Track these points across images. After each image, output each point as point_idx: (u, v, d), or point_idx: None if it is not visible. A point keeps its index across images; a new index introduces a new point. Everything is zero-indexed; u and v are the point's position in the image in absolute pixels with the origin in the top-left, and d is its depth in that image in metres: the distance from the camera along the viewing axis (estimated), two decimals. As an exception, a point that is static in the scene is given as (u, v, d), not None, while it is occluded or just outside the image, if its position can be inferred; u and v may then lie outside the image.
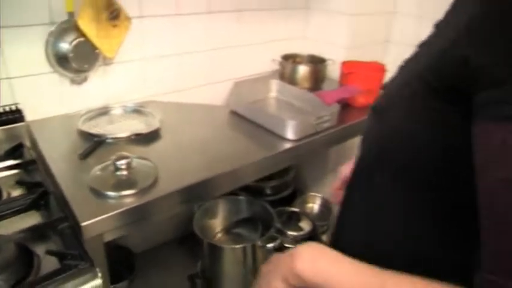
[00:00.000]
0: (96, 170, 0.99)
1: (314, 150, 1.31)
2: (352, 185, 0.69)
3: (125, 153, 0.98)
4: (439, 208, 0.52)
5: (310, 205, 1.90)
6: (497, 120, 0.38)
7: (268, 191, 1.77)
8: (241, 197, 1.53)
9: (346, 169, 0.90)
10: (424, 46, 0.60)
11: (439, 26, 0.57)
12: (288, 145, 1.20)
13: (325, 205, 1.86)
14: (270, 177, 1.68)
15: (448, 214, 0.52)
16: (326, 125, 1.27)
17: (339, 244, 0.67)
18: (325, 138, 1.29)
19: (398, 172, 0.54)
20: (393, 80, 0.62)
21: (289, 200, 1.84)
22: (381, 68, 1.52)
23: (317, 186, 1.96)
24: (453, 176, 0.48)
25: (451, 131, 0.46)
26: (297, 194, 1.91)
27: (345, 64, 1.53)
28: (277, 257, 0.67)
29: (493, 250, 0.39)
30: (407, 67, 0.60)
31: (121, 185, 0.94)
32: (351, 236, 0.68)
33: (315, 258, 0.59)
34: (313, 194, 1.90)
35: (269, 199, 1.70)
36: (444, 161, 0.48)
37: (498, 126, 0.38)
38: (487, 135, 0.39)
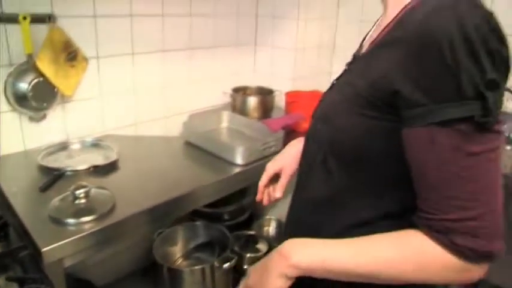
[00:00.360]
0: (56, 201, 1.06)
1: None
2: (306, 172, 0.82)
3: (83, 183, 1.06)
4: (379, 181, 0.69)
5: (266, 228, 2.00)
6: (424, 125, 0.58)
7: (226, 217, 1.85)
8: (198, 223, 1.62)
9: (271, 167, 1.01)
10: (351, 73, 0.76)
11: (361, 56, 0.75)
12: (237, 169, 1.32)
13: (281, 226, 1.96)
14: (227, 203, 1.77)
15: (387, 186, 0.69)
16: (272, 149, 1.40)
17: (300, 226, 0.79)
18: (272, 162, 1.41)
19: (347, 157, 0.71)
20: (328, 96, 0.81)
21: (247, 223, 1.93)
22: (320, 96, 1.68)
23: (273, 209, 2.07)
24: (387, 156, 0.66)
25: (379, 128, 0.65)
26: (253, 217, 2.00)
27: (289, 94, 1.69)
28: (260, 264, 0.74)
29: (442, 197, 0.59)
30: (341, 87, 0.76)
31: (80, 212, 1.01)
32: (311, 212, 0.79)
33: (304, 247, 0.68)
34: (268, 217, 2.01)
35: (227, 224, 1.79)
36: (380, 148, 0.66)
37: (425, 129, 0.58)
38: (419, 134, 0.59)
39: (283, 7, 1.90)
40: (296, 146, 0.98)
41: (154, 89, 1.69)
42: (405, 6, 0.64)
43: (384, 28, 0.67)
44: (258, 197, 1.04)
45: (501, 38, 0.56)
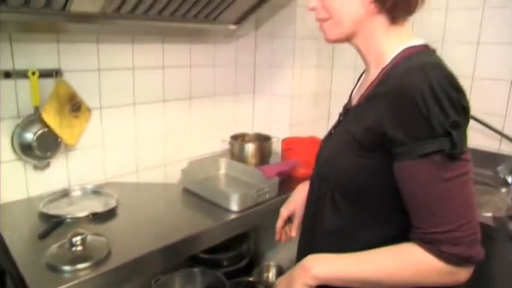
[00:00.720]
0: (54, 248, 1.09)
1: (259, 220, 1.45)
2: (315, 208, 0.95)
3: (80, 231, 1.09)
4: (380, 211, 0.83)
5: (266, 274, 1.98)
6: (407, 159, 0.73)
7: (225, 263, 1.85)
8: (195, 269, 1.62)
9: (285, 211, 1.15)
10: (347, 123, 0.91)
11: (353, 109, 0.90)
12: (233, 216, 1.34)
13: (281, 273, 1.94)
14: (226, 249, 1.78)
15: (387, 214, 0.83)
16: (267, 196, 1.43)
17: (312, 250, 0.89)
18: (268, 208, 1.44)
19: (351, 193, 0.86)
20: (329, 142, 0.96)
21: (247, 270, 1.92)
22: (317, 142, 1.72)
23: (273, 254, 2.07)
24: (383, 188, 0.80)
25: (373, 166, 0.80)
26: (254, 264, 1.99)
27: (285, 141, 1.74)
28: (286, 275, 0.88)
29: (428, 215, 0.73)
30: (340, 134, 0.91)
31: (76, 259, 1.04)
32: (324, 242, 0.91)
33: (322, 261, 0.82)
34: (268, 263, 2.00)
35: (227, 270, 1.78)
36: (376, 182, 0.81)
37: (409, 162, 0.73)
38: (405, 166, 0.74)
39: (279, 56, 1.99)
40: (303, 190, 1.11)
41: (155, 137, 1.75)
42: (384, 67, 0.82)
43: (369, 85, 0.84)
44: (277, 238, 1.19)
45: (458, 89, 0.73)
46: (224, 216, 1.34)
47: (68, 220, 1.27)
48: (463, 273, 0.74)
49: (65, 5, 1.19)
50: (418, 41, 0.84)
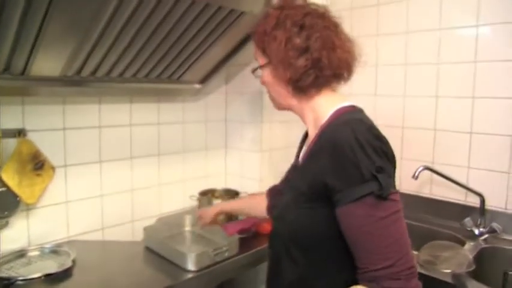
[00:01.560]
0: (-4, 313, 1.06)
1: (218, 279, 1.42)
2: (276, 263, 1.02)
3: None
4: (334, 257, 0.91)
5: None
6: (345, 204, 0.82)
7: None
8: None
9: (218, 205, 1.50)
10: (294, 179, 1.04)
11: (300, 166, 1.02)
12: (189, 275, 1.32)
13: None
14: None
15: (341, 259, 0.89)
16: (226, 254, 1.41)
17: None
18: (227, 267, 1.42)
19: (304, 244, 0.93)
20: (279, 200, 1.05)
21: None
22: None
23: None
24: (332, 235, 0.88)
25: (321, 215, 0.89)
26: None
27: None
28: None
29: (367, 254, 0.82)
30: (288, 191, 1.02)
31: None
32: None
33: None
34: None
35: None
36: (324, 230, 0.89)
37: (346, 206, 0.82)
38: (344, 211, 0.83)
39: (248, 112, 2.04)
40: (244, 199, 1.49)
41: (122, 194, 1.75)
42: (320, 127, 0.94)
43: (310, 144, 0.96)
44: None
45: (380, 139, 0.85)
46: (180, 276, 1.32)
47: (18, 282, 1.24)
48: None
49: (24, 69, 1.24)
50: (347, 103, 0.96)
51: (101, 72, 1.40)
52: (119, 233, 1.74)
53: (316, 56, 0.91)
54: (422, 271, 1.34)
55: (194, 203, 1.92)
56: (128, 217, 1.78)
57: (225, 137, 2.17)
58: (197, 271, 1.34)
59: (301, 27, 0.92)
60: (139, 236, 1.79)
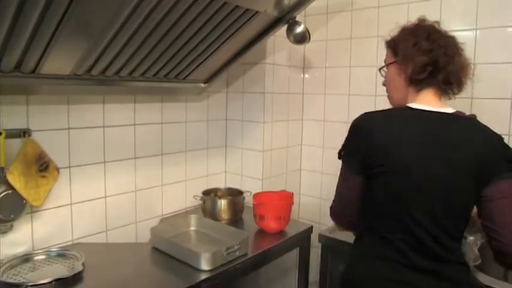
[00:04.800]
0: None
1: (230, 279, 1.41)
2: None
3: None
4: None
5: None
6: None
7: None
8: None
9: None
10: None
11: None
12: (203, 275, 1.31)
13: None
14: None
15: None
16: (237, 253, 1.41)
17: None
18: (239, 266, 1.41)
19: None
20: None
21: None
22: (288, 196, 1.74)
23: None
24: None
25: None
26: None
27: (256, 196, 1.74)
28: None
29: None
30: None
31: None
32: None
33: None
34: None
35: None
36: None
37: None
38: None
39: (250, 111, 2.04)
40: None
41: (126, 195, 1.72)
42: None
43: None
44: None
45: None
46: (194, 276, 1.31)
47: (28, 288, 1.21)
48: None
49: (36, 68, 1.21)
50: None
51: (110, 72, 1.37)
52: (123, 234, 1.72)
53: (435, 58, 1.09)
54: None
55: (196, 202, 1.91)
56: (131, 218, 1.75)
57: (226, 136, 2.16)
58: (210, 271, 1.33)
59: (428, 36, 1.11)
60: (142, 237, 1.77)
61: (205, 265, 1.32)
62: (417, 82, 1.13)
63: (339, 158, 1.18)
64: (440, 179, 1.03)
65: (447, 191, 1.03)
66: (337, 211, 1.21)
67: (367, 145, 1.08)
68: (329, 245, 1.75)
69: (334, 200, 1.21)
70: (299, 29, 1.50)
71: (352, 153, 1.14)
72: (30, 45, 1.10)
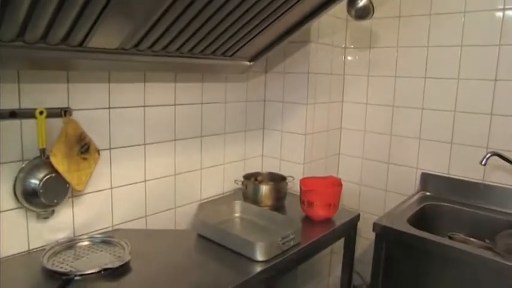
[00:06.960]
0: (67, 313, 0.95)
1: (285, 269, 1.34)
2: None
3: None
4: None
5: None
6: None
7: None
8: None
9: None
10: None
11: None
12: (258, 266, 1.23)
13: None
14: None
15: None
16: (292, 243, 1.32)
17: None
18: (293, 256, 1.33)
19: None
20: None
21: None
22: (338, 183, 1.65)
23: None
24: None
25: None
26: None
27: (304, 181, 1.64)
28: None
29: None
30: None
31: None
32: None
33: None
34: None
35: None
36: None
37: None
38: None
39: (291, 92, 1.94)
40: None
41: (165, 179, 1.64)
42: None
43: None
44: None
45: None
46: (250, 268, 1.23)
47: (77, 277, 1.13)
48: None
49: (83, 41, 1.10)
50: None
51: (158, 47, 1.27)
52: (162, 220, 1.64)
53: None
54: (504, 261, 1.28)
55: (232, 187, 1.82)
56: (170, 203, 1.67)
57: (263, 118, 2.06)
58: (265, 261, 1.25)
59: None
60: (181, 223, 1.70)
61: (260, 256, 1.24)
62: None
63: None
64: None
65: None
66: None
67: None
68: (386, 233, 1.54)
69: None
70: (362, 2, 1.38)
71: None
72: (80, 17, 0.99)
